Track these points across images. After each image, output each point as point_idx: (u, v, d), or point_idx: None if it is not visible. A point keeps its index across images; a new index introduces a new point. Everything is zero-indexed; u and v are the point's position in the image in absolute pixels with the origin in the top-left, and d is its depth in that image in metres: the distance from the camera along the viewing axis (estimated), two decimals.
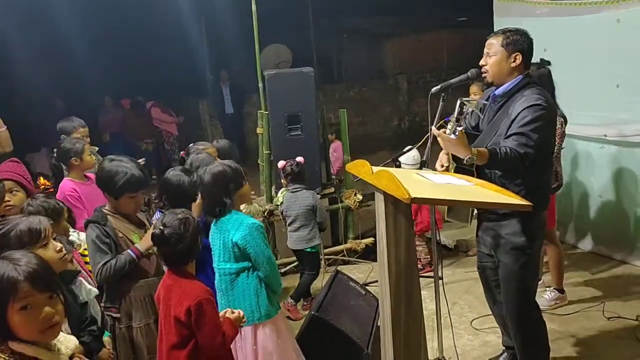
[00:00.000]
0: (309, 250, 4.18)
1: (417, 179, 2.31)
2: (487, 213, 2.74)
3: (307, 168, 4.38)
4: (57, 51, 9.59)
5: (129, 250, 2.51)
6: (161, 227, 2.14)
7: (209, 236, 2.67)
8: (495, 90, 2.68)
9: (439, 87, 2.63)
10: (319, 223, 4.20)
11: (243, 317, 2.29)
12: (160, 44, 10.19)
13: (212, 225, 2.69)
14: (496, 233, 2.71)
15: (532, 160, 2.45)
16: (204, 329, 2.08)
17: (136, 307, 2.53)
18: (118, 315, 2.49)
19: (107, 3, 8.87)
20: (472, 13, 11.46)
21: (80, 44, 9.31)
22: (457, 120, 2.35)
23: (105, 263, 2.46)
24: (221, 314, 2.23)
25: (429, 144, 2.66)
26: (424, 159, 2.70)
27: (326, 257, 4.94)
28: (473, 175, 2.51)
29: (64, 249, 2.00)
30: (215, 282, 2.69)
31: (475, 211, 2.98)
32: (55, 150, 3.59)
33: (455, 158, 2.62)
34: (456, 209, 2.81)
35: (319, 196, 4.25)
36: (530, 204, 2.14)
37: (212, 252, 2.66)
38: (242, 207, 2.89)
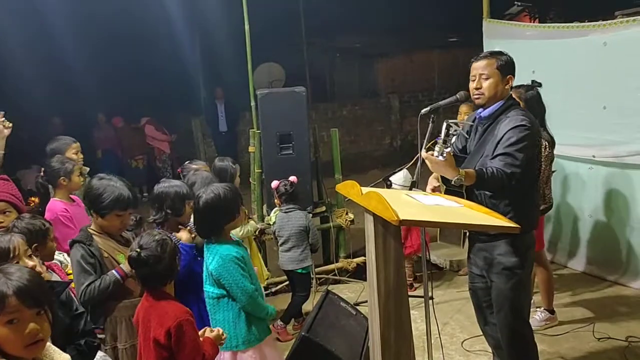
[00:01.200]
0: (299, 271, 4.15)
1: (406, 200, 2.32)
2: (478, 234, 2.76)
3: (299, 187, 4.38)
4: (51, 68, 9.60)
5: (113, 271, 2.50)
6: (137, 250, 2.14)
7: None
8: (482, 112, 2.72)
9: (428, 108, 2.67)
10: (312, 244, 4.18)
11: (222, 335, 2.28)
12: (154, 60, 10.25)
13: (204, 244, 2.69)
14: (487, 254, 2.73)
15: (519, 179, 2.50)
16: (184, 350, 2.06)
17: (120, 328, 2.50)
18: (103, 336, 2.46)
19: (103, 21, 8.93)
20: (462, 34, 11.66)
21: (74, 61, 9.34)
22: (445, 142, 2.38)
23: (89, 284, 2.44)
24: (200, 332, 2.22)
25: (418, 165, 2.68)
26: (414, 179, 2.73)
27: (317, 276, 4.92)
28: (463, 197, 2.53)
29: (37, 267, 1.98)
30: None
31: (468, 233, 3.00)
32: (42, 169, 3.56)
33: (444, 180, 2.64)
34: (448, 231, 2.83)
35: (311, 216, 4.23)
36: (517, 226, 2.15)
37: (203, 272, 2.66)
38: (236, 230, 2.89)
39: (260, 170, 5.00)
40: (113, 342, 2.50)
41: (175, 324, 2.05)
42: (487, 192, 2.64)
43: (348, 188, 2.31)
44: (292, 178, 4.25)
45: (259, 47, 5.14)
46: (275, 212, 4.32)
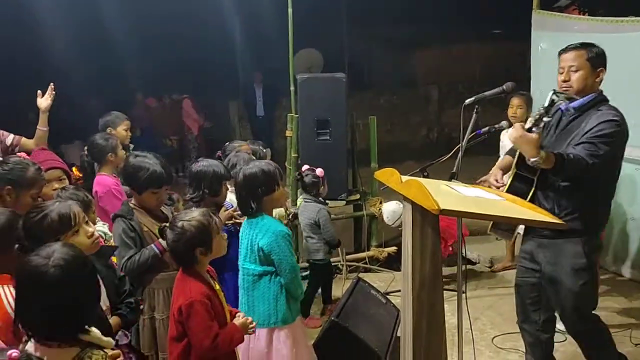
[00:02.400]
0: (311, 261, 4.15)
1: (446, 190, 2.28)
2: (541, 230, 2.66)
3: (334, 173, 4.37)
4: (92, 47, 9.83)
5: (152, 245, 2.56)
6: (172, 225, 2.19)
7: (240, 233, 2.70)
8: (569, 103, 2.61)
9: (473, 98, 2.61)
10: (326, 240, 4.06)
11: (251, 323, 2.29)
12: (194, 43, 10.34)
13: (244, 222, 2.71)
14: (552, 252, 2.66)
15: (597, 173, 2.43)
16: (192, 330, 2.11)
17: (158, 299, 2.57)
18: (141, 306, 2.53)
19: (144, 4, 9.03)
20: (506, 25, 11.34)
21: (114, 42, 9.53)
22: (547, 112, 2.29)
23: (130, 257, 2.52)
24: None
25: (459, 156, 2.63)
26: (454, 170, 2.67)
27: (348, 263, 4.93)
28: (532, 184, 2.46)
29: (95, 233, 2.04)
30: (239, 279, 2.71)
31: (522, 227, 2.94)
32: (86, 147, 3.64)
33: (518, 162, 2.58)
34: (499, 223, 2.77)
35: (326, 212, 4.05)
36: (563, 223, 2.10)
37: (239, 249, 2.68)
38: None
39: (296, 155, 5.01)
40: (151, 312, 2.57)
41: (187, 303, 2.09)
42: (561, 183, 2.55)
43: (387, 175, 2.28)
44: (319, 170, 4.09)
45: (298, 33, 5.12)
46: (300, 199, 4.32)
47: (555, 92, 2.33)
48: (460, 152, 2.63)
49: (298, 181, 4.23)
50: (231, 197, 3.24)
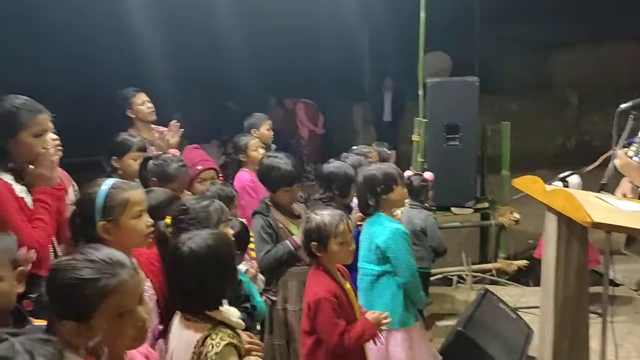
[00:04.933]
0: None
1: (596, 202, 2.10)
2: None
3: (461, 180, 4.24)
4: (224, 54, 10.52)
5: (287, 242, 2.69)
6: (309, 221, 2.26)
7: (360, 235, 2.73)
8: None
9: (630, 103, 2.36)
10: (433, 248, 3.82)
11: (384, 319, 2.27)
12: (321, 46, 10.63)
13: (364, 224, 2.74)
14: None
15: None
16: (319, 326, 2.17)
17: (291, 292, 2.69)
18: (275, 298, 2.67)
19: (271, 6, 9.44)
20: None
21: (245, 46, 10.11)
22: None
23: (267, 252, 2.67)
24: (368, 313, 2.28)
25: (610, 165, 2.41)
26: (604, 181, 2.45)
27: (473, 273, 4.74)
28: None
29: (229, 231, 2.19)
30: (357, 279, 2.72)
31: None
32: (226, 145, 3.93)
33: None
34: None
35: (433, 219, 3.83)
36: None
37: (359, 250, 2.69)
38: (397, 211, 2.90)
39: (422, 160, 4.94)
40: (284, 303, 2.70)
41: (314, 299, 2.16)
42: None
43: (528, 183, 2.16)
44: (428, 174, 3.93)
45: (427, 35, 5.04)
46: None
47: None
48: (611, 162, 2.40)
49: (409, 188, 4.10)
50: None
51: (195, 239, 1.70)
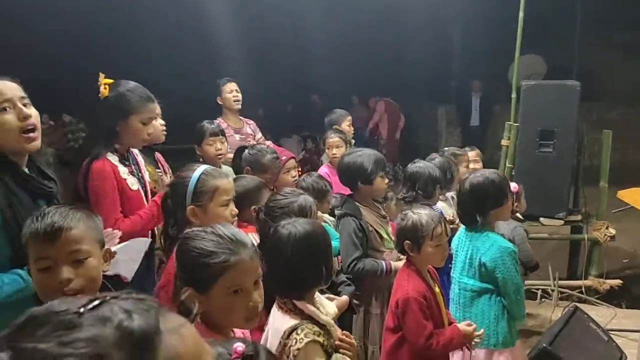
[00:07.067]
0: None
1: None
2: None
3: (552, 189, 3.99)
4: (310, 53, 10.67)
5: (383, 263, 2.61)
6: (405, 219, 2.22)
7: (454, 244, 2.62)
8: None
9: None
10: (522, 262, 3.50)
11: (478, 336, 2.19)
12: (409, 45, 10.49)
13: (460, 231, 2.63)
14: None
15: None
16: (406, 325, 2.13)
17: (375, 296, 2.65)
18: (357, 302, 2.63)
19: (360, 3, 9.42)
20: None
21: (331, 45, 10.20)
22: None
23: (357, 259, 2.58)
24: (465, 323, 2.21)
25: None
26: None
27: (559, 289, 4.48)
28: None
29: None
30: (452, 292, 2.63)
31: None
32: (306, 141, 4.00)
33: None
34: None
35: (522, 230, 3.61)
36: None
37: (453, 260, 2.60)
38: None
39: (511, 166, 4.72)
40: (367, 305, 2.66)
41: (404, 298, 2.12)
42: None
43: (638, 196, 2.00)
44: (513, 185, 3.73)
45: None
46: None
47: None
48: None
49: None
50: (442, 205, 3.19)
51: (295, 224, 1.70)
